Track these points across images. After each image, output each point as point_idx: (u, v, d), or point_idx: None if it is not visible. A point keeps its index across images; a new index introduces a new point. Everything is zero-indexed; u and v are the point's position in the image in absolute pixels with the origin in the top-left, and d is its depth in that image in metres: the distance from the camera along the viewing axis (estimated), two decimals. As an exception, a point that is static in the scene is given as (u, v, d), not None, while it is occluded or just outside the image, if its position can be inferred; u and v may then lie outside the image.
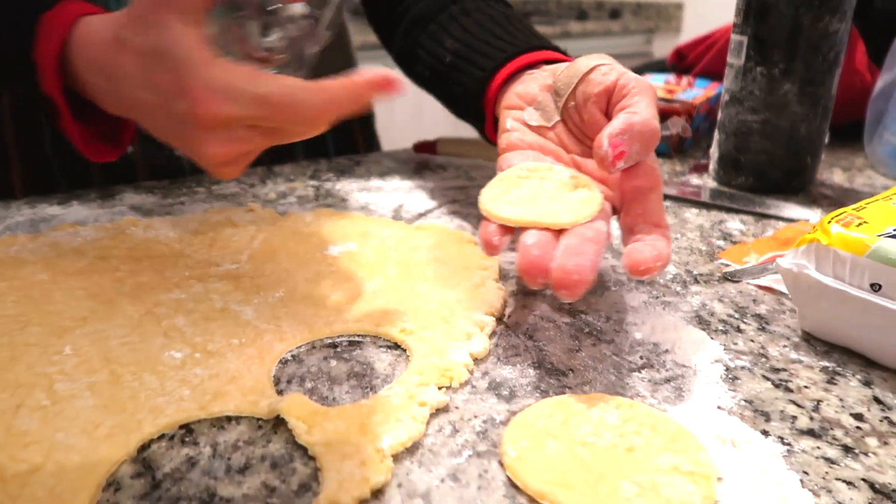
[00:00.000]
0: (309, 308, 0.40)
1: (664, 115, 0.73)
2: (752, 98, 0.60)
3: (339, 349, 0.37)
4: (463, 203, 0.58)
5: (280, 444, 0.30)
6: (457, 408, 0.32)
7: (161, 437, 0.30)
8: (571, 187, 0.39)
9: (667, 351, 0.37)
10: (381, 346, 0.37)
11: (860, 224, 0.36)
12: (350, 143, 0.79)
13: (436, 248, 0.48)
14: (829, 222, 0.37)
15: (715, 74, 0.83)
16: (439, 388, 0.33)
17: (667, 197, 0.60)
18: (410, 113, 1.51)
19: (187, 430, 0.30)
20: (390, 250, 0.48)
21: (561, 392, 0.33)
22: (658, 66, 0.96)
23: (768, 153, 0.60)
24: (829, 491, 0.27)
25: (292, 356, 0.36)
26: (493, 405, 0.32)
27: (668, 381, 0.34)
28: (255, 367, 0.35)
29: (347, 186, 0.62)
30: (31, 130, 0.62)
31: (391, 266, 0.45)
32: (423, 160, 0.71)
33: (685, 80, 0.85)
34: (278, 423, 0.31)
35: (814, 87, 0.58)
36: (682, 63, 0.89)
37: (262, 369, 0.35)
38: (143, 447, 0.29)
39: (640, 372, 0.35)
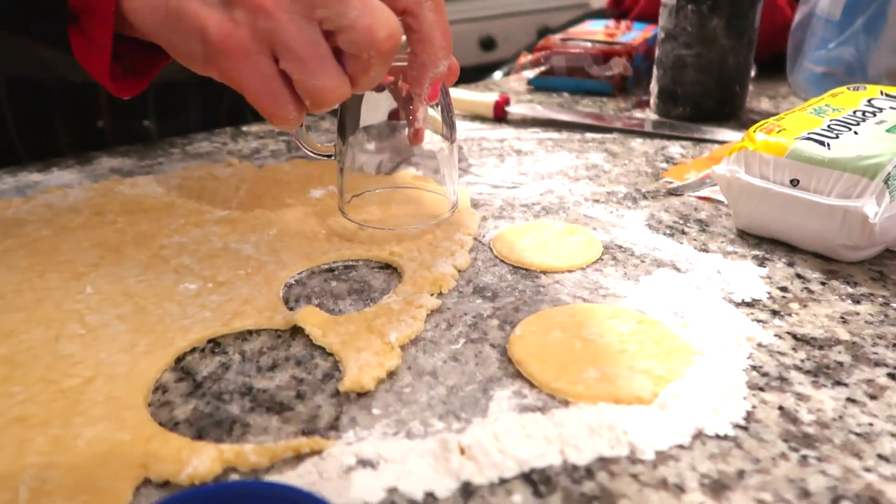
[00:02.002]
0: (303, 241, 0.44)
1: (606, 57, 0.78)
2: (685, 34, 0.65)
3: (336, 272, 0.41)
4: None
5: (299, 347, 0.34)
6: (448, 308, 0.37)
7: (192, 350, 0.34)
8: (568, 233, 0.44)
9: (623, 249, 0.42)
10: (373, 268, 0.42)
11: (780, 131, 0.42)
12: None
13: (413, 189, 0.52)
14: (755, 131, 0.42)
15: (651, 17, 0.89)
16: (431, 295, 0.38)
17: (614, 130, 0.65)
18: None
19: (215, 344, 0.35)
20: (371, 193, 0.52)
21: (536, 292, 0.38)
22: (598, 14, 1.01)
23: (702, 84, 0.66)
24: (761, 343, 0.33)
25: (295, 281, 0.40)
26: (479, 304, 0.37)
27: (625, 274, 0.40)
28: (264, 290, 0.39)
29: (317, 140, 0.66)
30: None
31: (373, 205, 0.49)
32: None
33: (623, 24, 0.90)
34: (294, 332, 0.35)
35: (739, 20, 0.63)
36: (620, 8, 0.94)
37: (271, 292, 0.39)
38: (179, 359, 0.33)
39: (604, 269, 0.40)
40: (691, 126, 0.65)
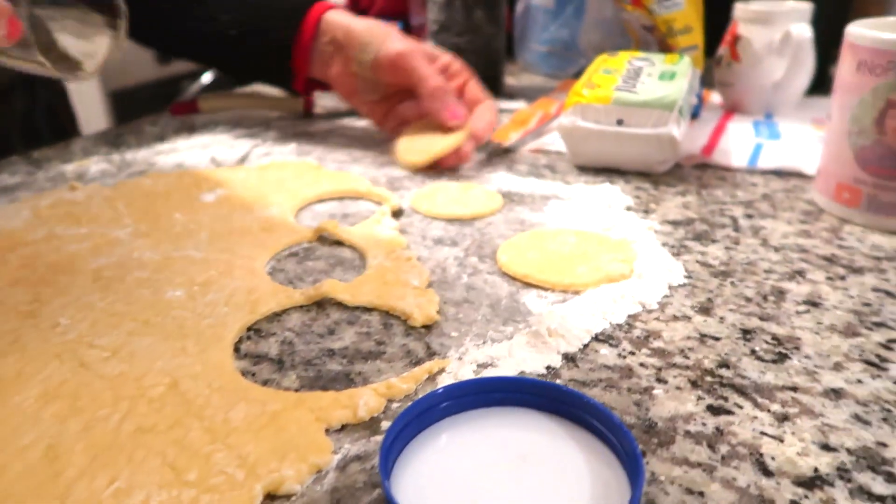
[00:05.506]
0: (245, 237, 0.45)
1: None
2: (456, 24, 0.77)
3: (300, 255, 0.44)
4: (272, 143, 0.65)
5: (337, 313, 0.37)
6: (429, 258, 0.43)
7: (239, 341, 0.35)
8: (466, 189, 0.53)
9: (512, 193, 0.52)
10: (331, 245, 0.45)
11: (597, 87, 0.56)
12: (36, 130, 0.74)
13: (297, 178, 0.55)
14: (581, 89, 0.56)
15: (390, 14, 1.00)
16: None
17: (418, 111, 0.75)
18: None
19: (255, 331, 0.36)
20: (260, 186, 0.53)
21: (482, 233, 0.46)
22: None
23: (476, 67, 0.79)
24: (656, 230, 0.46)
25: (272, 268, 0.42)
26: (450, 251, 0.44)
27: (531, 208, 0.50)
28: (255, 280, 0.40)
29: (139, 154, 0.63)
30: None
31: (275, 195, 0.52)
32: (185, 121, 0.73)
33: (367, 22, 0.99)
34: (319, 305, 0.38)
35: (496, 10, 0.78)
36: (358, 7, 1.03)
37: (262, 280, 0.40)
38: (235, 350, 0.34)
39: (514, 209, 0.50)
40: (475, 101, 0.78)
